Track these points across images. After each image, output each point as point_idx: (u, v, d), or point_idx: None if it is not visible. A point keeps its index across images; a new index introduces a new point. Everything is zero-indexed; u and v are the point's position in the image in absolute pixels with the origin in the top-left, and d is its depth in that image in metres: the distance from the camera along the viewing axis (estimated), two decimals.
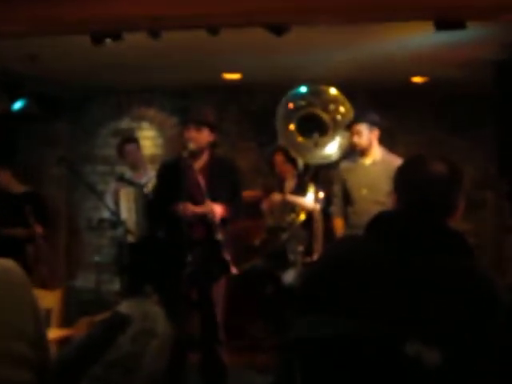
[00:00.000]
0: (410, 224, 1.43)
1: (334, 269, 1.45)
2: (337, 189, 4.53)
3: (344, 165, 4.50)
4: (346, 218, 4.46)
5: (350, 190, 4.41)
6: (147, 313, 1.91)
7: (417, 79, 5.67)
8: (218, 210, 3.82)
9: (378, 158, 4.37)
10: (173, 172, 3.80)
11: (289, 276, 4.61)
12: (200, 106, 4.11)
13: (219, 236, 3.80)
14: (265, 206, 4.92)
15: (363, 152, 4.35)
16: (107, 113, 6.68)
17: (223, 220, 3.86)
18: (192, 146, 3.81)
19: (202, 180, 3.81)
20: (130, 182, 4.91)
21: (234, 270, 3.81)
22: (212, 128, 3.88)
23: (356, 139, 4.26)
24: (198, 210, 3.79)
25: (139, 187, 4.78)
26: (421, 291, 1.34)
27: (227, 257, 3.81)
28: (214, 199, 3.82)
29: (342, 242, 1.61)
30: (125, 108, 6.64)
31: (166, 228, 3.91)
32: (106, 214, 4.88)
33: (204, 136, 3.85)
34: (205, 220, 3.79)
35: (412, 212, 1.46)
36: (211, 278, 3.85)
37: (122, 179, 5.01)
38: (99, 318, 2.33)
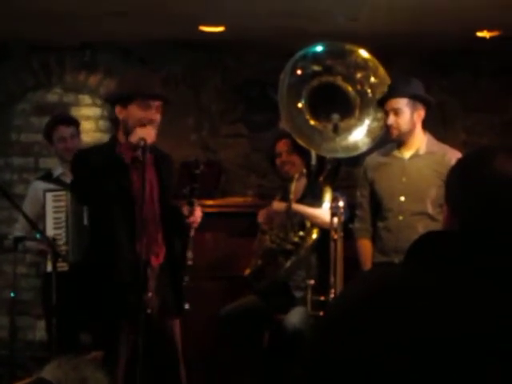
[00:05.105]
0: (476, 253, 1.42)
1: (360, 317, 1.44)
2: (362, 195, 4.54)
3: (371, 159, 4.53)
4: (375, 237, 4.47)
5: (380, 196, 4.43)
6: (85, 380, 1.91)
7: (483, 34, 5.70)
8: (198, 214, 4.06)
9: (423, 150, 4.39)
10: (115, 168, 3.87)
11: (293, 317, 4.61)
12: (146, 72, 4.15)
13: (189, 258, 4.01)
14: (260, 218, 4.93)
15: (401, 140, 4.36)
16: (26, 79, 6.67)
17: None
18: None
19: (155, 180, 3.99)
20: (61, 183, 4.90)
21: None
22: (164, 104, 4.03)
23: (392, 120, 4.28)
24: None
25: None
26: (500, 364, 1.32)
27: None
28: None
29: (371, 276, 1.60)
30: (54, 73, 6.64)
31: (114, 250, 3.94)
32: (24, 230, 4.87)
33: (159, 115, 3.99)
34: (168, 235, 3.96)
35: (476, 234, 1.45)
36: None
37: (48, 178, 5.00)
38: None
